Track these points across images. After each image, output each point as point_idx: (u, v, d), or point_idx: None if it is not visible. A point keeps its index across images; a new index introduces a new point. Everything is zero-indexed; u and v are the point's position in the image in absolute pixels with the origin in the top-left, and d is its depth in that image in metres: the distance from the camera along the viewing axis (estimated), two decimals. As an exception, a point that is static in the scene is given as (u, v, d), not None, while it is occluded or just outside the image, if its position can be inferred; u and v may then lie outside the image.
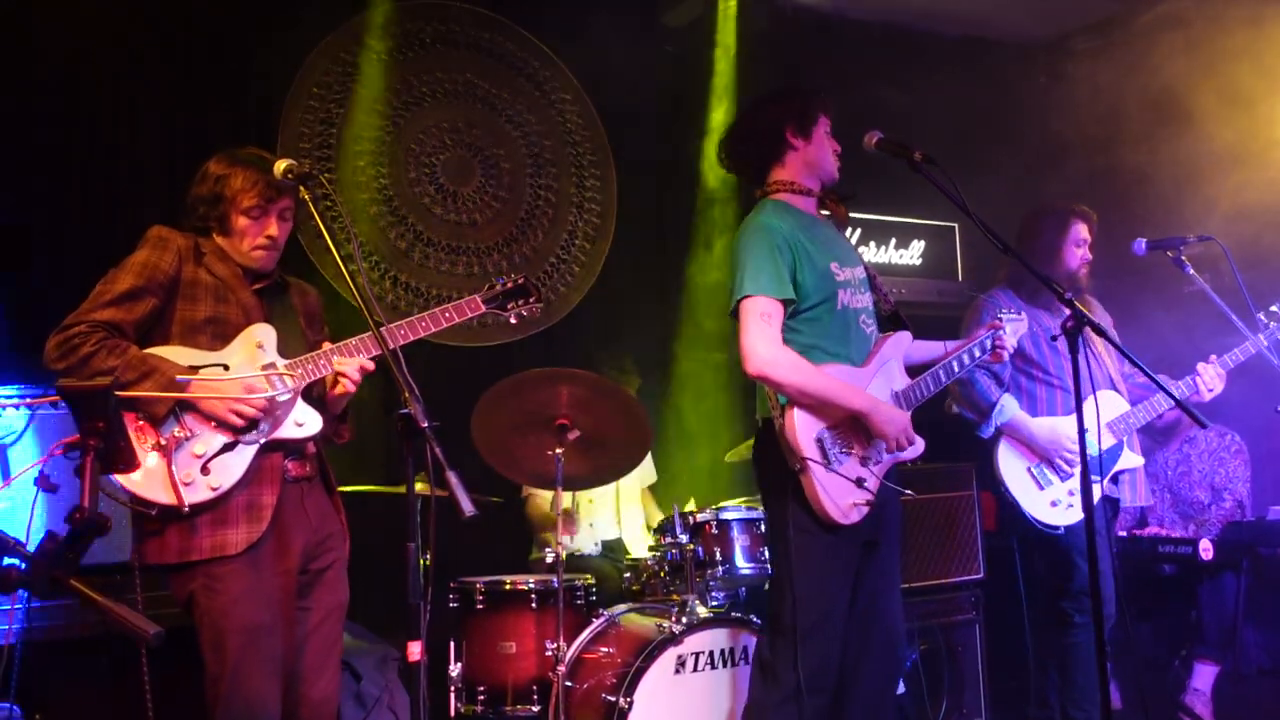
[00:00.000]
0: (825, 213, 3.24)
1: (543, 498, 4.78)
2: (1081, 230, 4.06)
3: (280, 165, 2.66)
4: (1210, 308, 4.12)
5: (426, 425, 2.22)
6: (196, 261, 2.80)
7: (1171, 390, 3.04)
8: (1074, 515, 3.83)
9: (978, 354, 3.32)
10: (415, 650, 2.18)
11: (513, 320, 3.20)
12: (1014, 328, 3.41)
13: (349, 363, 2.80)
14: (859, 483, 2.97)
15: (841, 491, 2.96)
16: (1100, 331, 2.91)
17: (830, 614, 2.99)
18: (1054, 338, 3.22)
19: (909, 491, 3.11)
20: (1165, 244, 4.04)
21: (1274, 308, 4.14)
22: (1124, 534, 4.99)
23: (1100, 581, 3.77)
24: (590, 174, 5.66)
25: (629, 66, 5.30)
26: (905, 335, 3.25)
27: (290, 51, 4.96)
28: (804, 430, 2.96)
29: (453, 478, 2.14)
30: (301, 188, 2.64)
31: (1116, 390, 3.98)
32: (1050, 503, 3.84)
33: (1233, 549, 4.64)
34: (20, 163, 4.24)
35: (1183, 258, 4.02)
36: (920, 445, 3.12)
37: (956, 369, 3.28)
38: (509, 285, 3.17)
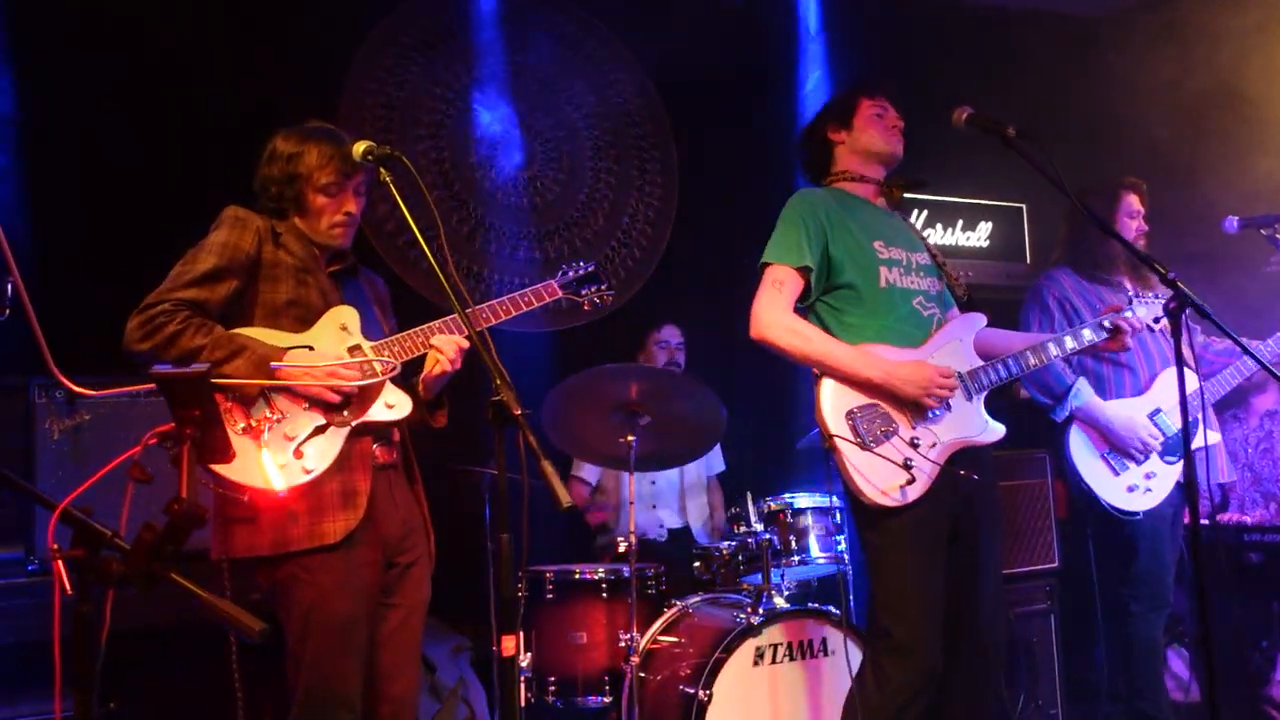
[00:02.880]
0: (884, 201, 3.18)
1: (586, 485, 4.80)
2: (1133, 201, 3.99)
3: (360, 147, 2.56)
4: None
5: (519, 413, 2.15)
6: (275, 243, 2.71)
7: (1276, 370, 2.91)
8: (1151, 500, 3.75)
9: (1087, 339, 3.11)
10: (510, 645, 2.11)
11: (585, 307, 3.19)
12: (1147, 311, 3.17)
13: (447, 340, 2.73)
14: (906, 465, 2.79)
15: (880, 474, 2.79)
16: (1204, 312, 2.80)
17: (913, 612, 2.80)
18: (1157, 320, 3.10)
19: (975, 475, 2.86)
20: (1259, 221, 3.93)
21: None
22: (1205, 521, 4.84)
23: (1162, 572, 3.75)
24: (651, 156, 5.57)
25: (692, 44, 5.20)
26: (976, 316, 3.09)
27: (351, 32, 4.91)
28: (834, 404, 2.84)
29: (548, 467, 2.06)
30: (382, 170, 2.56)
31: (1189, 367, 3.86)
32: (1127, 488, 3.75)
33: (1322, 536, 4.50)
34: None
35: (1277, 235, 3.89)
36: (992, 429, 2.95)
37: (1054, 353, 3.06)
38: (581, 272, 3.14)
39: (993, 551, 3.00)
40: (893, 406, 2.86)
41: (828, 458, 2.85)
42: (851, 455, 2.80)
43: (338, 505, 2.59)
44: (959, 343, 3.00)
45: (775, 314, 2.91)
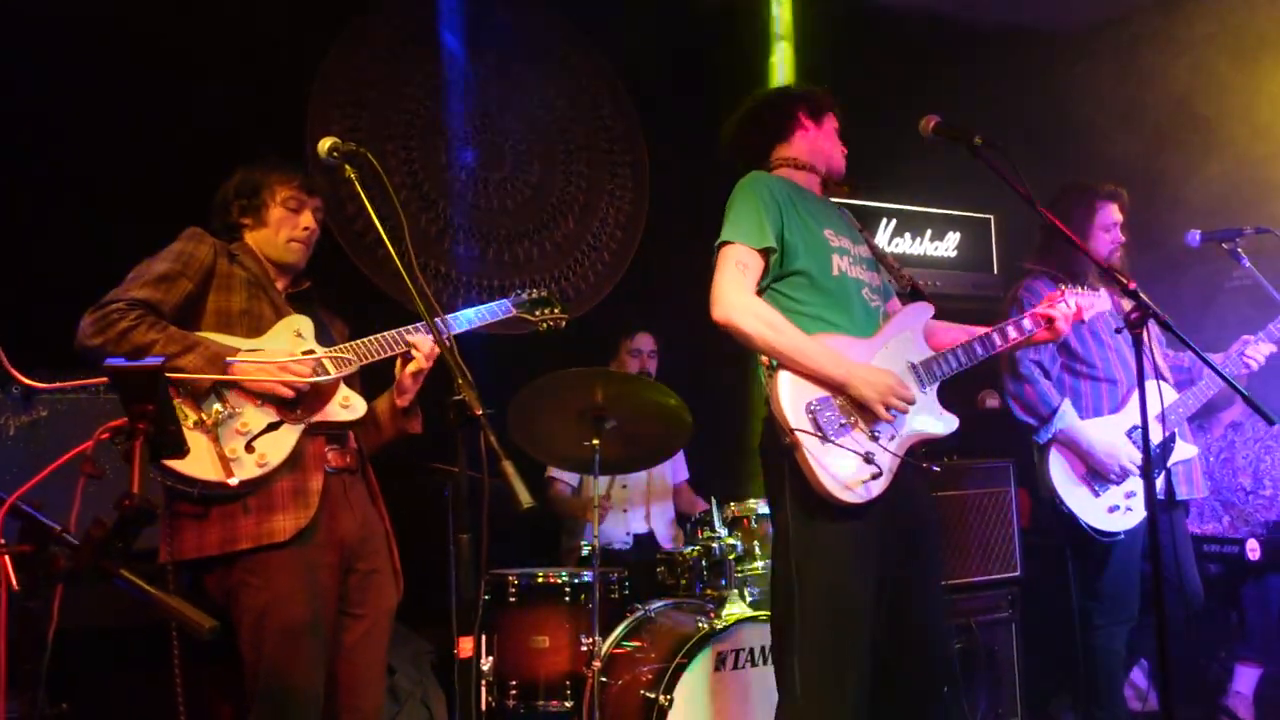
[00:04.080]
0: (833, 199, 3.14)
1: (567, 486, 4.76)
2: (1111, 212, 3.90)
3: (325, 143, 2.54)
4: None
5: (481, 413, 2.13)
6: (230, 260, 2.74)
7: (1240, 385, 2.92)
8: (1132, 520, 3.70)
9: (1027, 327, 3.05)
10: (467, 646, 2.09)
11: (540, 328, 3.25)
12: (1089, 302, 3.16)
13: (423, 338, 2.73)
14: (867, 458, 2.68)
15: (844, 468, 2.67)
16: (1166, 325, 2.81)
17: (845, 615, 2.68)
18: (1118, 331, 3.10)
19: (935, 467, 2.81)
20: (1221, 235, 3.93)
21: None
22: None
23: (1129, 587, 3.75)
24: (622, 160, 5.57)
25: (664, 48, 5.20)
26: (925, 306, 3.02)
27: (315, 35, 4.87)
28: (793, 398, 2.70)
29: (509, 468, 2.04)
30: (347, 166, 2.54)
31: (1163, 379, 3.86)
32: (1108, 509, 3.70)
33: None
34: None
35: (1238, 249, 3.92)
36: (946, 419, 2.89)
37: (997, 343, 2.99)
38: (535, 295, 3.23)
39: (936, 555, 2.95)
40: (849, 399, 2.76)
41: (786, 455, 2.69)
42: (813, 449, 2.66)
43: (289, 504, 2.57)
44: (910, 333, 2.94)
45: (744, 297, 2.76)
